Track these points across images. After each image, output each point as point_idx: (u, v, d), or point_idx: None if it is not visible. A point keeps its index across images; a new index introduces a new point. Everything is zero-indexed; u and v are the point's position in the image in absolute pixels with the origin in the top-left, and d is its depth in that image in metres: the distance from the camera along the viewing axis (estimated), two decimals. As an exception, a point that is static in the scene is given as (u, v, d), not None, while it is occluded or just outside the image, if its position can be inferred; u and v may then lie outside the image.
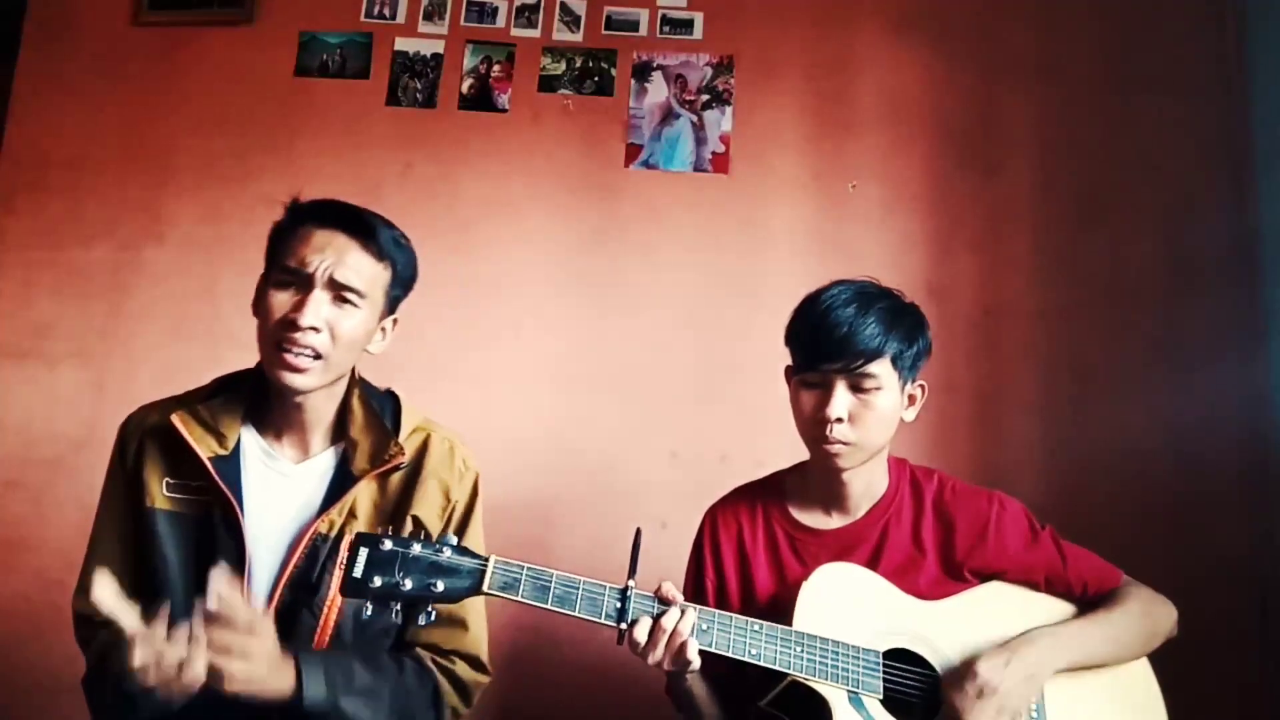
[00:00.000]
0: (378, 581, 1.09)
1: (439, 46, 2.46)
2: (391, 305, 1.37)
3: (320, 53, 2.47)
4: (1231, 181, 2.23)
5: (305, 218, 1.30)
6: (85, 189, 2.43)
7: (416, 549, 1.11)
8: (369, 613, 1.10)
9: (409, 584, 1.09)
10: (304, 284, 1.26)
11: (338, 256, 1.26)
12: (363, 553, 1.10)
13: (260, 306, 1.29)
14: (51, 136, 2.46)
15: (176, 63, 2.49)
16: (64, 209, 2.43)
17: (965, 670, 1.29)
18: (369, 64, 2.45)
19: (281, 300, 1.26)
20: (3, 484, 2.29)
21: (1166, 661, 1.43)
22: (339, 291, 1.26)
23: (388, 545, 1.11)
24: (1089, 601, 1.43)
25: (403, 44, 2.46)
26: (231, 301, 2.34)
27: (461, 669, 1.36)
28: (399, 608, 1.11)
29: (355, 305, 1.27)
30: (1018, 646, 1.32)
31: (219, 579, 1.08)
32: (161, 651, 1.03)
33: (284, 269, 1.27)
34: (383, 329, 1.37)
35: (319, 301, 1.24)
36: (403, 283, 1.37)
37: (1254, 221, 2.19)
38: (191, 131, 2.45)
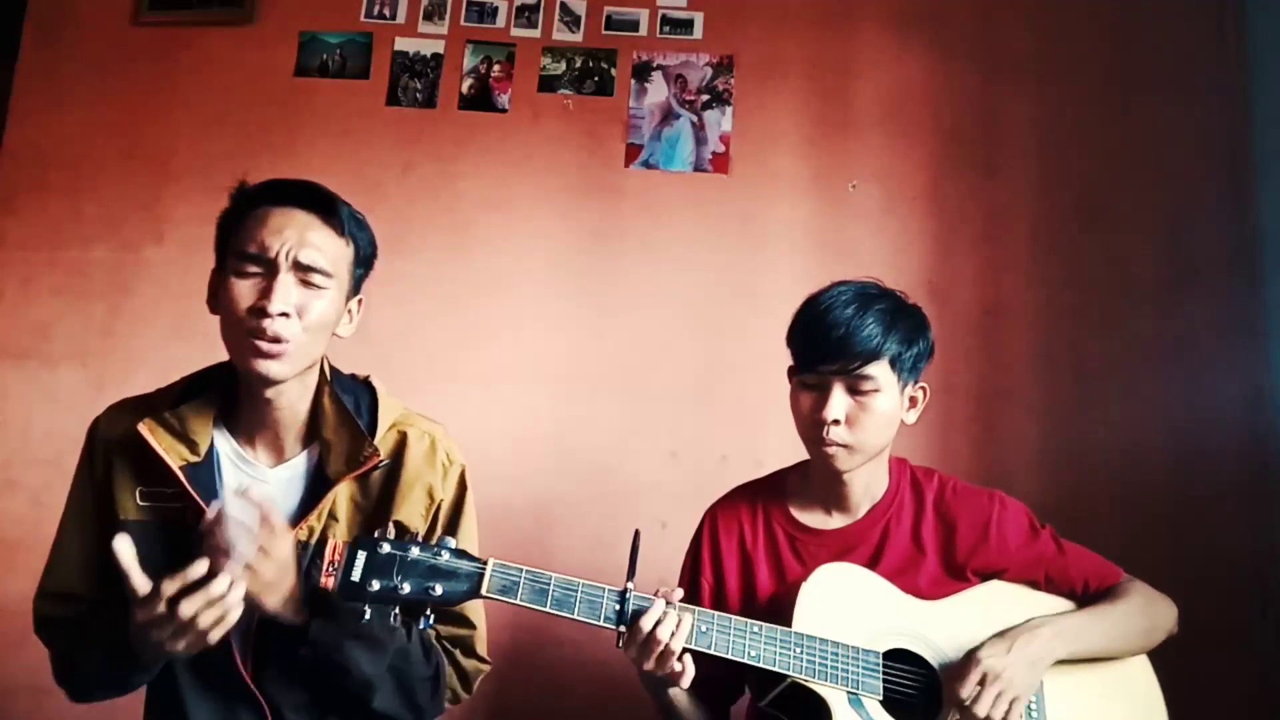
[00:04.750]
0: (376, 585, 1.08)
1: (439, 46, 2.45)
2: (356, 285, 1.30)
3: (320, 53, 2.47)
4: (1231, 181, 2.23)
5: (257, 200, 1.22)
6: (85, 189, 2.42)
7: (415, 552, 1.11)
8: (367, 618, 1.09)
9: (407, 587, 1.08)
10: (268, 269, 1.18)
11: (299, 236, 1.19)
12: (360, 556, 1.09)
13: (220, 300, 1.21)
14: (51, 136, 2.46)
15: (176, 63, 2.48)
16: (64, 209, 2.42)
17: (967, 659, 1.29)
18: (369, 64, 2.45)
19: (245, 289, 1.18)
20: (3, 484, 2.28)
21: (1167, 660, 1.43)
22: (305, 274, 1.19)
23: (386, 549, 1.10)
24: (1089, 600, 1.43)
25: (403, 44, 2.46)
26: (231, 301, 2.34)
27: (461, 657, 1.35)
28: (397, 612, 1.11)
29: (322, 287, 1.20)
30: (1019, 634, 1.32)
31: (232, 496, 1.09)
32: (182, 600, 1.03)
33: (243, 256, 1.19)
34: (349, 311, 1.30)
35: (286, 285, 1.17)
36: (364, 261, 1.30)
37: (1254, 221, 2.19)
38: (191, 132, 2.44)
